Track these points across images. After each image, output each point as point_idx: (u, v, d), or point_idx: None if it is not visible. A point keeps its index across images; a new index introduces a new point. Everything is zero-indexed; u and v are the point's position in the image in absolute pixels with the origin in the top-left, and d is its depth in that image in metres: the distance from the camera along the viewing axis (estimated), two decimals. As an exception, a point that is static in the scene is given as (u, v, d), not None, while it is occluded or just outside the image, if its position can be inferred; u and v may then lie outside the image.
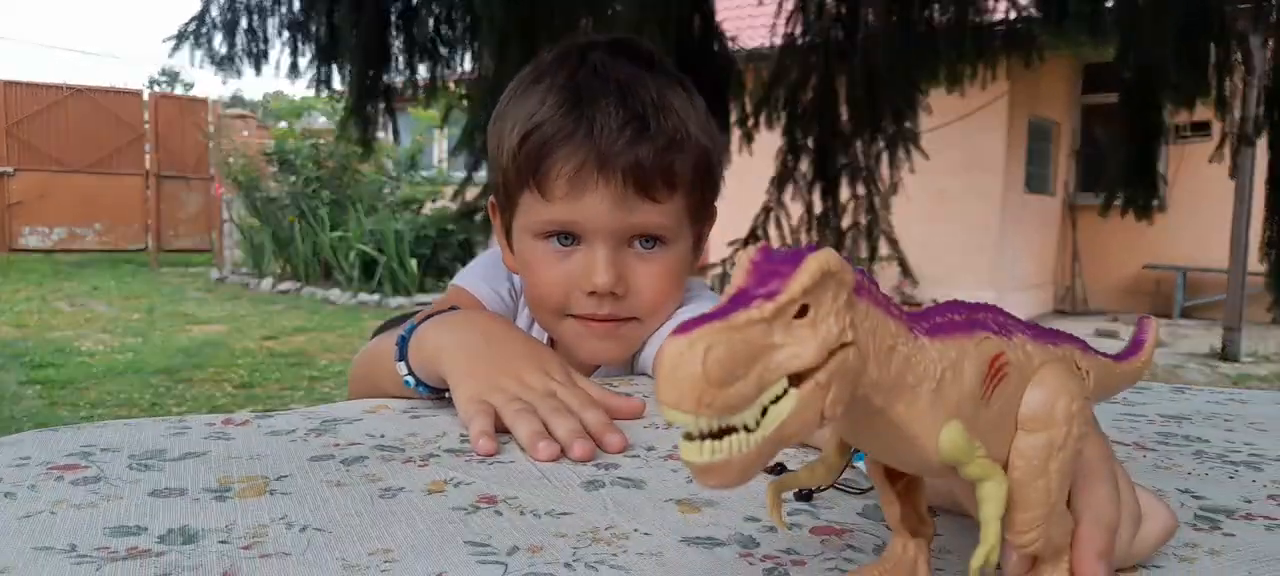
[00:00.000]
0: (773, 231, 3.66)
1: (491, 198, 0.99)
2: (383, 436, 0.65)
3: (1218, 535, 0.50)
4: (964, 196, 7.85)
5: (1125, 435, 0.71)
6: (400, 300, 7.88)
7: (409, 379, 0.75)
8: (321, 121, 10.20)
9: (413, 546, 0.44)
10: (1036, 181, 8.68)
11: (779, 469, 0.58)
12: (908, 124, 3.27)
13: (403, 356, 0.76)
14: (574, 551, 0.44)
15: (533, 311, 0.95)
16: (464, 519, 0.48)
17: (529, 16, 2.57)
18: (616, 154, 0.81)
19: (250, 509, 0.49)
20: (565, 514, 0.50)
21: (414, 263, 8.28)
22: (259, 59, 3.23)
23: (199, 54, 3.27)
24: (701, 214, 0.93)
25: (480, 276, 1.03)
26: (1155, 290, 8.49)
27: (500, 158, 0.89)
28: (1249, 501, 0.55)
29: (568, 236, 0.87)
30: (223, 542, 0.44)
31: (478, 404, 0.66)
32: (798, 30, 3.29)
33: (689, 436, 0.28)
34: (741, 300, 0.28)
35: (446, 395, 0.73)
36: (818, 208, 3.61)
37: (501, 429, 0.64)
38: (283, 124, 10.56)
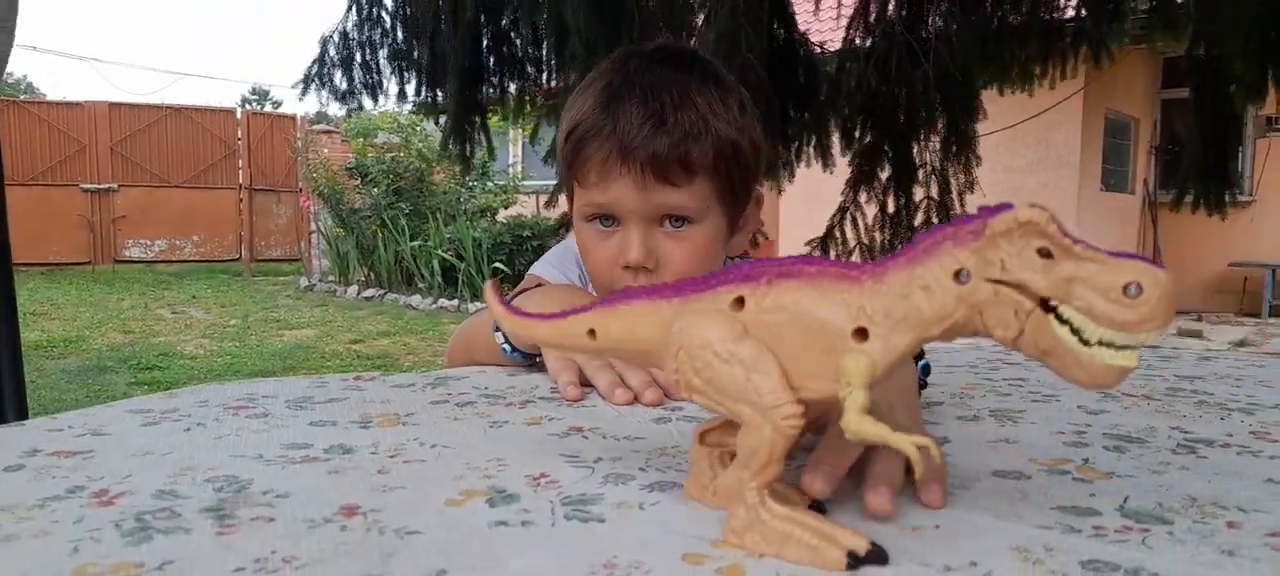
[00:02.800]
0: (848, 230, 3.73)
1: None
2: (487, 388, 0.77)
3: (1192, 457, 0.58)
4: (1038, 194, 7.73)
5: (1135, 388, 0.79)
6: (478, 305, 8.10)
7: (506, 347, 0.88)
8: (394, 139, 10.52)
9: (520, 456, 0.56)
10: (1115, 179, 8.49)
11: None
12: (971, 124, 3.30)
13: (500, 327, 0.88)
14: (646, 460, 0.56)
15: (595, 290, 1.07)
16: (558, 441, 0.60)
17: (614, 28, 2.70)
18: (636, 146, 0.92)
19: (389, 434, 0.62)
20: (639, 438, 0.61)
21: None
22: (375, 89, 3.44)
23: (324, 93, 3.49)
24: (733, 197, 1.02)
25: (551, 264, 1.17)
26: (1243, 288, 8.23)
27: (558, 155, 1.03)
28: (1231, 435, 0.64)
29: (608, 218, 0.99)
30: (373, 454, 0.57)
31: (564, 360, 0.78)
32: (857, 35, 3.35)
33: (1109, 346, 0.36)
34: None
35: (537, 360, 0.85)
36: (892, 208, 3.67)
37: (585, 383, 0.76)
38: (360, 141, 10.94)
